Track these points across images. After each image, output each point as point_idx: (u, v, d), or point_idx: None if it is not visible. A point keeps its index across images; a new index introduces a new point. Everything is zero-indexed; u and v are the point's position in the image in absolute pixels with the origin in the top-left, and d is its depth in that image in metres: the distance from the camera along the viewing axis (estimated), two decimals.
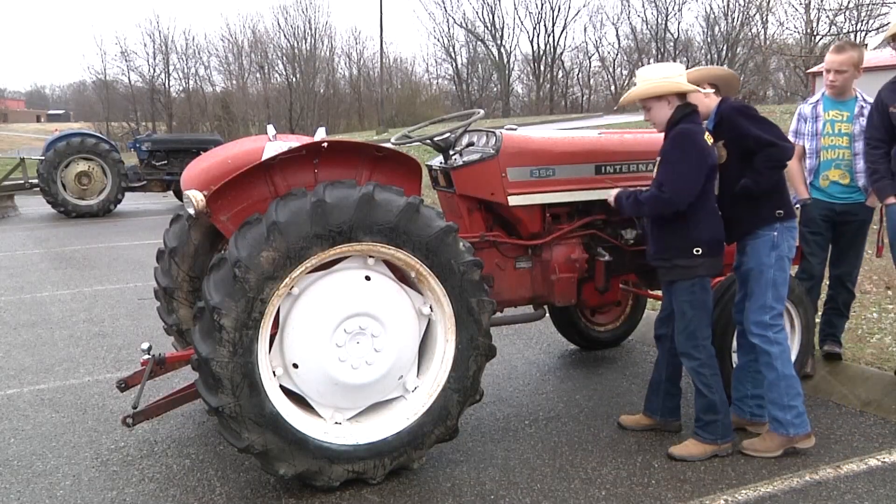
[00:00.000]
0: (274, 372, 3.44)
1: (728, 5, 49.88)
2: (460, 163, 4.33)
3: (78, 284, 8.51)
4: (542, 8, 54.90)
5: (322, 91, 54.68)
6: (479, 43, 56.35)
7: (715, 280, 4.20)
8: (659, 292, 4.39)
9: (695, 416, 3.88)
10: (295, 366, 3.46)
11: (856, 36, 29.56)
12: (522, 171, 4.27)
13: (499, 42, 55.64)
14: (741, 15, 48.99)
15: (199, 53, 70.01)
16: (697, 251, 3.69)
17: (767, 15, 45.70)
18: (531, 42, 64.92)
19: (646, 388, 4.24)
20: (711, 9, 63.44)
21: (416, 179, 3.75)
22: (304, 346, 3.43)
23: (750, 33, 48.83)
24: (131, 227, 13.69)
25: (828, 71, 4.70)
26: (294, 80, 54.43)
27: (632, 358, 5.47)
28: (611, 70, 57.24)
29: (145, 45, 71.12)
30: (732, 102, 3.90)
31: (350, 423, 3.61)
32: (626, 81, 56.38)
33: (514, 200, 4.26)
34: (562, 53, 56.04)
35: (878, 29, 23.97)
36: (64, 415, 4.58)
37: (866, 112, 4.59)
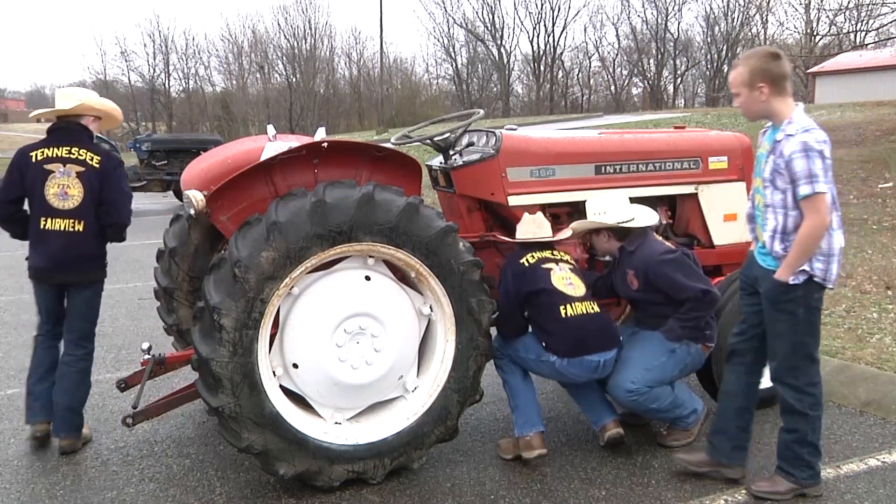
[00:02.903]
0: (274, 372, 3.45)
1: (728, 5, 50.03)
2: (460, 163, 4.33)
3: None
4: (542, 8, 54.83)
5: (322, 91, 54.69)
6: (479, 43, 56.43)
7: (714, 280, 4.20)
8: None
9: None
10: (295, 366, 3.46)
11: (856, 36, 29.56)
12: (522, 171, 4.26)
13: (499, 42, 55.71)
14: (741, 15, 49.10)
15: (199, 53, 70.41)
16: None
17: (767, 15, 45.76)
18: (531, 42, 65.01)
19: None
20: (711, 9, 63.45)
21: (416, 179, 3.75)
22: (304, 346, 3.43)
23: (750, 33, 48.88)
24: (131, 227, 13.58)
25: None
26: (294, 80, 54.46)
27: None
28: (611, 70, 57.34)
29: (145, 46, 71.39)
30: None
31: (350, 423, 3.61)
32: (627, 81, 56.49)
33: (514, 200, 4.26)
34: (562, 53, 56.15)
35: (877, 29, 23.91)
36: None
37: (781, 148, 3.18)
